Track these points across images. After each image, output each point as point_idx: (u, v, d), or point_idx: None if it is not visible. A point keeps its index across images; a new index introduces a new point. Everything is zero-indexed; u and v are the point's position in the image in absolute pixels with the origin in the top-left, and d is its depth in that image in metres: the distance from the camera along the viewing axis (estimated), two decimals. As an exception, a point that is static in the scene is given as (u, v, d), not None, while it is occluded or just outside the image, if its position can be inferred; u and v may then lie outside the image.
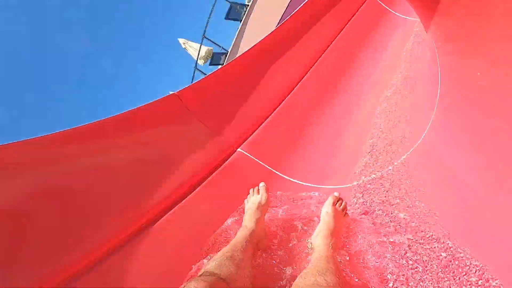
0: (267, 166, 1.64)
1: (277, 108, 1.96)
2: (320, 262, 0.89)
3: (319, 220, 1.14)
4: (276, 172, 1.63)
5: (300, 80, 2.20)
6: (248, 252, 0.94)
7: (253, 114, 1.83)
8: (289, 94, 2.10)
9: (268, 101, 1.94)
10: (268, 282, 0.96)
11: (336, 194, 1.17)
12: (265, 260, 1.05)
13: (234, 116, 1.73)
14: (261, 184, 1.27)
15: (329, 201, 1.14)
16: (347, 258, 1.01)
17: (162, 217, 1.21)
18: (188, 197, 1.32)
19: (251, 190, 1.28)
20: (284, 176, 1.61)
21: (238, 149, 1.65)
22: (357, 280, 0.93)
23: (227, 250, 0.89)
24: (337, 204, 1.14)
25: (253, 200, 1.21)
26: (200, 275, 0.75)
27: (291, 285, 0.84)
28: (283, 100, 2.04)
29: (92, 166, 1.15)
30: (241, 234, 1.03)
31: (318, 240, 1.05)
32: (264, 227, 1.16)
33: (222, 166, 1.51)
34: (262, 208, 1.18)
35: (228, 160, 1.57)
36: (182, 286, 0.70)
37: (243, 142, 1.70)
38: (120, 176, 1.20)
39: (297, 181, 1.57)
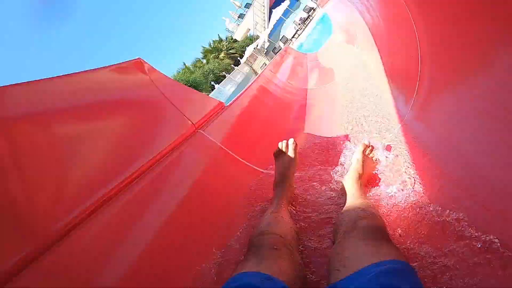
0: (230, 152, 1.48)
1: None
2: (354, 199, 0.95)
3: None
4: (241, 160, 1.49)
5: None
6: (285, 205, 1.01)
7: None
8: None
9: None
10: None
11: (366, 142, 1.19)
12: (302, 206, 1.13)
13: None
14: (291, 141, 1.21)
15: (360, 148, 1.17)
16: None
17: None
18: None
19: (280, 144, 1.23)
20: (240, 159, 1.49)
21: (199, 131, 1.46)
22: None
23: (268, 212, 0.96)
24: (367, 151, 1.17)
25: (287, 161, 1.19)
26: (255, 235, 0.81)
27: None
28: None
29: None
30: (276, 194, 1.09)
31: (349, 183, 1.07)
32: (293, 181, 1.19)
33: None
34: (294, 166, 1.19)
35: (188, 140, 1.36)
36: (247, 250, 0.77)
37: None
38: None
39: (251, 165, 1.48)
